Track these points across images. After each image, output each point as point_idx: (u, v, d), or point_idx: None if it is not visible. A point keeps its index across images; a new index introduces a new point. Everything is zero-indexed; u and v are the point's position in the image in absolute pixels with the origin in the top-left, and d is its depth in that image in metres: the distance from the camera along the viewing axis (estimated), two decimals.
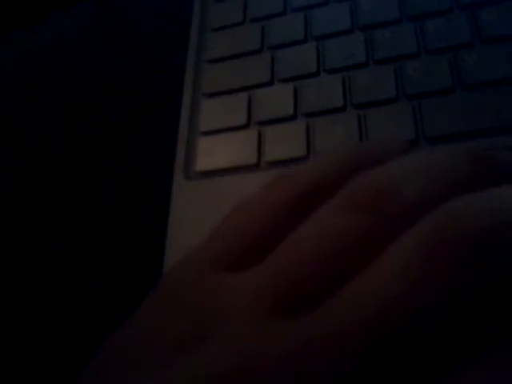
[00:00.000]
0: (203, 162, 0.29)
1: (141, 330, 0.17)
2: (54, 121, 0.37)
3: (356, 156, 0.19)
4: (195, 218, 0.28)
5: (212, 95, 0.31)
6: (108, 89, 0.36)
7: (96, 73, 0.37)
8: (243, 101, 0.30)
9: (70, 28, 0.41)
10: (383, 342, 0.13)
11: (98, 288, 0.29)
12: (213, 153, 0.29)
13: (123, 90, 0.36)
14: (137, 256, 0.30)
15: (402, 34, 0.29)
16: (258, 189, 0.19)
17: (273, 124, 0.29)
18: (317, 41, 0.31)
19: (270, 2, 0.33)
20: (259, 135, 0.29)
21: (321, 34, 0.31)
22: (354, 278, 0.14)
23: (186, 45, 0.33)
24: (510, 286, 0.13)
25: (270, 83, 0.30)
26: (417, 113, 0.27)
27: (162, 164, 0.31)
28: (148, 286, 0.20)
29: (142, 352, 0.16)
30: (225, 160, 0.29)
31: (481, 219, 0.14)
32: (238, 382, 0.13)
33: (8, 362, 0.29)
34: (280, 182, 0.19)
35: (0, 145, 0.37)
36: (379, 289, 0.13)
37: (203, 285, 0.17)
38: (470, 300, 0.13)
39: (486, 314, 0.14)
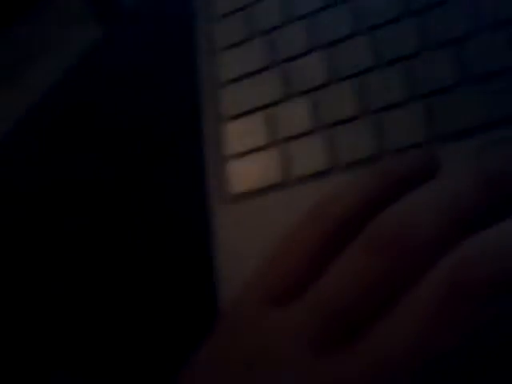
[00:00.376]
0: (237, 185, 0.31)
1: (208, 358, 0.20)
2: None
3: (381, 180, 0.21)
4: (239, 240, 0.30)
5: (232, 118, 0.32)
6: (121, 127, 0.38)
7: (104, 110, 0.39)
8: (262, 120, 0.32)
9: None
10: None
11: (150, 338, 0.32)
12: (243, 175, 0.31)
13: (134, 127, 0.37)
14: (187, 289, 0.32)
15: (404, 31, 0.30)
16: (295, 224, 0.21)
17: (295, 139, 0.31)
18: (324, 49, 0.32)
19: (275, 11, 0.34)
20: (282, 153, 0.31)
21: (326, 41, 0.32)
22: (380, 321, 0.17)
23: (193, 70, 0.35)
24: None
25: (286, 99, 0.32)
26: (428, 112, 0.28)
27: (188, 195, 0.33)
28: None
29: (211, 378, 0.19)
30: (255, 180, 0.31)
31: (495, 263, 0.15)
32: None
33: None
34: (312, 217, 0.21)
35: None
36: (404, 332, 0.16)
37: (261, 320, 0.20)
38: (491, 337, 0.15)
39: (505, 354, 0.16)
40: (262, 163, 0.31)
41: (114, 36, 0.42)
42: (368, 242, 0.18)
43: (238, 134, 0.32)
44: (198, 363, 0.20)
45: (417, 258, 0.17)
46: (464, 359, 0.15)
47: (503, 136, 0.26)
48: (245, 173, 0.31)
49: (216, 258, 0.31)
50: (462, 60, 0.28)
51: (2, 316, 0.35)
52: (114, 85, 0.40)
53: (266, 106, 0.32)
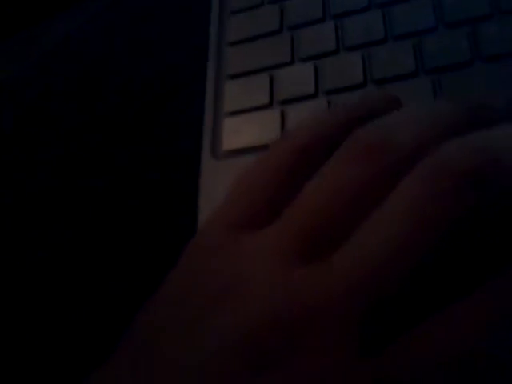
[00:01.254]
0: (229, 142, 0.30)
1: (172, 298, 0.18)
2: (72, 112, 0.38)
3: (349, 110, 0.20)
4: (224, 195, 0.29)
5: (235, 77, 0.32)
6: (130, 78, 0.38)
7: (115, 65, 0.39)
8: (265, 81, 0.31)
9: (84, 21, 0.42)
10: (394, 281, 0.14)
11: (125, 268, 0.31)
12: (238, 132, 0.30)
13: (143, 80, 0.37)
14: (168, 234, 0.31)
15: (419, 8, 0.30)
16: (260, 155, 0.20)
17: (295, 102, 0.30)
18: (335, 19, 0.31)
19: None
20: (282, 114, 0.30)
21: (339, 12, 0.32)
22: (363, 224, 0.16)
23: (205, 30, 0.34)
24: (507, 210, 0.14)
25: (291, 63, 0.31)
26: (436, 86, 0.28)
27: (187, 146, 0.32)
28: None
29: (171, 318, 0.17)
30: (250, 139, 0.30)
31: (475, 156, 0.15)
32: (264, 334, 0.15)
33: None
34: (280, 143, 0.20)
35: (34, 134, 0.38)
36: (387, 231, 0.15)
37: (226, 248, 0.18)
38: (474, 224, 0.14)
39: (488, 239, 0.15)
40: (258, 123, 0.30)
41: None
42: (345, 154, 0.17)
43: (240, 93, 0.31)
44: (159, 299, 0.18)
45: (396, 164, 0.16)
46: (451, 249, 0.14)
47: None
48: (240, 130, 0.30)
49: (200, 210, 0.29)
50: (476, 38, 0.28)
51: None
52: (124, 36, 0.40)
53: (269, 68, 0.31)
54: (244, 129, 0.30)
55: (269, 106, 0.30)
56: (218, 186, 0.30)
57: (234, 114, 0.31)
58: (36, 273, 0.33)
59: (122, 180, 0.34)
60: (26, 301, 0.32)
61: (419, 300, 0.14)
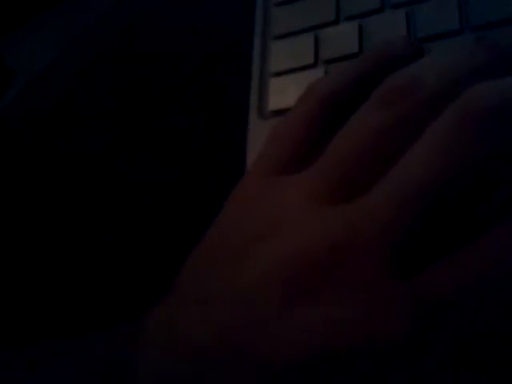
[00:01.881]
0: (275, 102, 0.31)
1: (217, 240, 0.20)
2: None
3: (376, 58, 0.21)
4: None
5: (281, 37, 0.33)
6: (177, 39, 0.39)
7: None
8: (310, 41, 0.32)
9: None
10: (419, 218, 0.15)
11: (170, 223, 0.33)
12: (284, 92, 0.31)
13: (193, 41, 0.38)
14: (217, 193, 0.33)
15: None
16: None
17: (339, 62, 0.31)
18: None
19: None
20: (327, 73, 0.31)
21: None
22: (391, 167, 0.16)
23: None
24: None
25: (336, 22, 0.32)
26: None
27: (236, 107, 0.33)
28: None
29: (221, 250, 0.19)
30: (296, 99, 0.31)
31: (500, 96, 0.15)
32: (295, 265, 0.16)
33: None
34: (309, 93, 0.21)
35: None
36: (416, 171, 0.16)
37: (264, 192, 0.19)
38: (492, 164, 0.15)
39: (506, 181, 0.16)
40: (304, 82, 0.31)
41: None
42: (375, 99, 0.18)
43: (286, 53, 0.32)
44: (207, 243, 0.20)
45: (424, 107, 0.17)
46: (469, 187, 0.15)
47: None
48: (286, 90, 0.31)
49: (247, 169, 0.31)
50: None
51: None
52: None
53: (314, 27, 0.32)
54: (290, 89, 0.31)
55: (314, 65, 0.31)
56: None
57: (279, 74, 0.32)
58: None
59: (172, 138, 0.36)
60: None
61: (447, 233, 0.16)
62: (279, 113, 0.31)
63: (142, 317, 0.18)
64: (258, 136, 0.31)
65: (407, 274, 0.15)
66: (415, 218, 0.15)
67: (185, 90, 0.37)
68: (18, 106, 0.42)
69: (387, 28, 0.30)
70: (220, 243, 0.19)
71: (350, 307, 0.15)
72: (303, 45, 0.32)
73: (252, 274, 0.17)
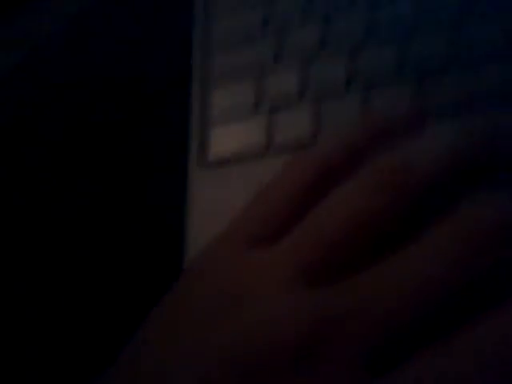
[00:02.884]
0: (216, 151, 0.31)
1: (179, 304, 0.19)
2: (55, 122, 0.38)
3: (363, 132, 0.21)
4: (212, 203, 0.30)
5: (221, 84, 0.32)
6: (111, 81, 0.38)
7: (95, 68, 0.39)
8: (251, 87, 0.31)
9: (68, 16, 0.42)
10: (402, 327, 0.15)
11: (112, 282, 0.31)
12: (225, 141, 0.31)
13: (125, 82, 0.37)
14: (155, 244, 0.32)
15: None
16: (278, 172, 0.21)
17: (281, 110, 0.30)
18: (322, 22, 0.31)
19: None
20: (268, 121, 0.30)
21: (325, 12, 0.31)
22: (379, 259, 0.16)
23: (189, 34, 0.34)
24: None
25: (276, 68, 0.31)
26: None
27: (173, 154, 0.33)
28: (167, 276, 0.22)
29: (180, 323, 0.18)
30: (236, 147, 0.30)
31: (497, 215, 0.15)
32: (260, 345, 0.15)
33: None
34: (295, 165, 0.20)
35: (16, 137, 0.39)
36: (399, 277, 0.15)
37: (237, 260, 0.18)
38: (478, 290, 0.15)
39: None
40: (245, 131, 0.30)
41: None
42: (363, 182, 0.17)
43: (225, 101, 0.32)
44: (169, 302, 0.19)
45: (412, 196, 0.16)
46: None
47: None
48: (227, 139, 0.31)
49: (187, 219, 0.30)
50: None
51: None
52: (109, 39, 0.40)
53: (255, 75, 0.31)
54: (231, 137, 0.31)
55: (254, 113, 0.31)
56: (204, 195, 0.30)
57: (220, 123, 0.31)
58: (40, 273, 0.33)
59: (106, 187, 0.34)
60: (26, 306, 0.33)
61: (426, 336, 0.15)
62: (220, 162, 0.30)
63: None
64: (200, 185, 0.31)
65: (378, 372, 0.15)
66: (398, 326, 0.15)
67: (117, 133, 0.35)
68: None
69: (327, 73, 0.30)
70: (181, 312, 0.18)
71: None
72: (244, 93, 0.31)
73: (211, 351, 0.16)
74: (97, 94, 0.38)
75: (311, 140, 0.29)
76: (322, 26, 0.31)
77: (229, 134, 0.31)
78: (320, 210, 0.18)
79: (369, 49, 0.30)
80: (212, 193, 0.30)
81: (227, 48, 0.33)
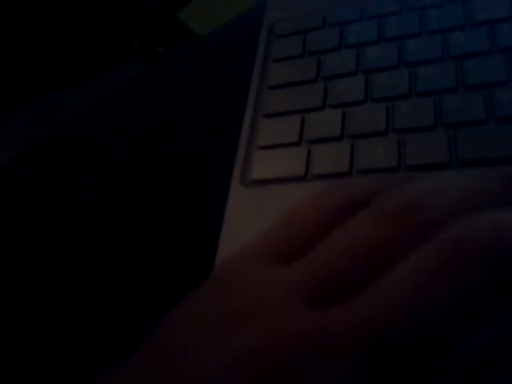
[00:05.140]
0: (258, 172, 0.33)
1: (197, 309, 0.20)
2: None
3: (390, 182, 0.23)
4: (248, 220, 0.32)
5: (270, 116, 0.35)
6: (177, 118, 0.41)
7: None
8: (297, 121, 0.34)
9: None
10: (398, 347, 0.16)
11: (150, 294, 0.33)
12: (267, 165, 0.33)
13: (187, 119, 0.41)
14: (191, 255, 0.33)
15: (443, 70, 0.33)
16: (307, 198, 0.23)
17: (321, 143, 0.33)
18: (366, 74, 0.35)
19: (326, 38, 0.37)
20: (308, 152, 0.33)
21: (370, 67, 0.35)
22: (377, 279, 0.17)
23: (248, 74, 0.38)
24: None
25: (322, 108, 0.34)
26: (451, 139, 0.30)
27: (218, 178, 0.35)
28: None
29: (196, 330, 0.19)
30: (277, 171, 0.33)
31: (498, 233, 0.16)
32: (262, 357, 0.17)
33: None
34: (324, 195, 0.22)
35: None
36: (395, 293, 0.16)
37: (253, 274, 0.20)
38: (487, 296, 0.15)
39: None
40: (287, 158, 0.33)
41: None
42: (373, 213, 0.19)
43: (273, 130, 0.35)
44: (187, 310, 0.21)
45: (418, 228, 0.18)
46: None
47: None
48: (269, 163, 0.33)
49: (222, 235, 0.32)
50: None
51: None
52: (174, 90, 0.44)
53: (302, 111, 0.35)
54: (273, 162, 0.33)
55: (298, 143, 0.33)
56: (242, 211, 0.32)
57: (265, 147, 0.34)
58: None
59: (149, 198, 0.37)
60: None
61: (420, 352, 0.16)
62: (261, 183, 0.33)
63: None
64: (239, 202, 0.33)
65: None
66: (395, 347, 0.16)
67: (165, 174, 0.38)
68: None
69: (367, 117, 0.33)
70: (195, 318, 0.20)
71: None
72: (290, 124, 0.34)
73: (222, 358, 0.17)
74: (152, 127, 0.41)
75: (346, 174, 0.31)
76: (358, 77, 0.34)
77: (271, 158, 0.33)
78: (330, 239, 0.20)
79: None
80: (248, 209, 0.32)
81: (281, 85, 0.36)
